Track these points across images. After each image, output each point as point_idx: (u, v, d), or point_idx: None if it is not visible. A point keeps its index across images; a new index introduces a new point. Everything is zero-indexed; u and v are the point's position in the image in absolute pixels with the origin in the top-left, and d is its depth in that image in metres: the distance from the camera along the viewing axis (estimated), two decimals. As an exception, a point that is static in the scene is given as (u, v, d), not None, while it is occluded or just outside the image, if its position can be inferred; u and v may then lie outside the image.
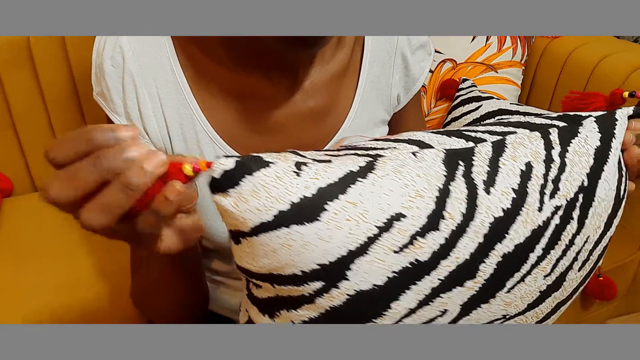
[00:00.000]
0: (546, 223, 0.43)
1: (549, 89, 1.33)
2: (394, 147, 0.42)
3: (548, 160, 0.44)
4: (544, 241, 0.43)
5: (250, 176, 0.34)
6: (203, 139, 0.58)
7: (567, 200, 0.44)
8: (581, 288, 0.52)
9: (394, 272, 0.38)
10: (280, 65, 0.57)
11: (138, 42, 0.56)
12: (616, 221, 0.50)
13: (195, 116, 0.58)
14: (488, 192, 0.41)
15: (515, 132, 0.46)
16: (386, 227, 0.37)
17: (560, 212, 0.44)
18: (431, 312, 0.41)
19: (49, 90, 1.09)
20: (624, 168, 0.49)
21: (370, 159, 0.39)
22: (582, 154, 0.45)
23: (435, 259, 0.39)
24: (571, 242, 0.45)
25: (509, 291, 0.44)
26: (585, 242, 0.47)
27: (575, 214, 0.45)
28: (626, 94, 0.50)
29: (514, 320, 0.47)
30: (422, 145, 0.43)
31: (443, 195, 0.39)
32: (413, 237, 0.38)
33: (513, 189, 0.42)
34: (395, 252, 0.37)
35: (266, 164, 0.35)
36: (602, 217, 0.47)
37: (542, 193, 0.43)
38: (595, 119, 0.48)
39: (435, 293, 0.40)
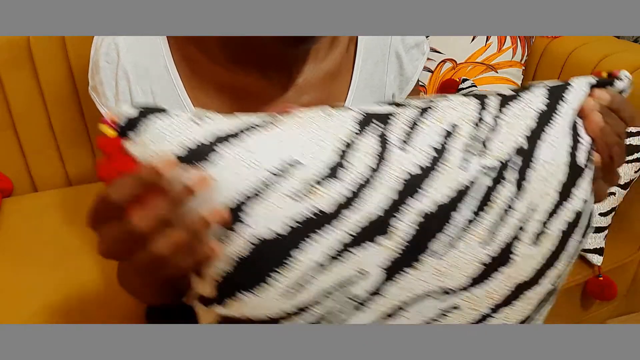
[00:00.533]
0: (473, 183, 0.42)
1: (549, 89, 1.33)
2: (312, 111, 0.43)
3: (478, 122, 0.43)
4: (471, 202, 0.42)
5: (150, 122, 0.37)
6: None
7: (500, 162, 0.42)
8: (552, 272, 0.47)
9: (294, 219, 0.38)
10: (274, 63, 0.58)
11: (134, 39, 0.56)
12: (580, 193, 0.46)
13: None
14: (403, 149, 0.41)
15: (449, 98, 0.45)
16: (281, 172, 0.38)
17: (491, 174, 0.42)
18: (346, 270, 0.40)
19: (49, 90, 1.09)
20: (583, 136, 0.46)
21: (280, 117, 0.41)
22: (521, 117, 0.44)
23: (339, 211, 0.39)
24: (510, 207, 0.43)
25: (437, 255, 0.42)
26: (533, 210, 0.44)
27: (511, 176, 0.43)
28: (605, 73, 0.49)
29: (460, 298, 0.44)
30: (344, 109, 0.43)
31: (348, 148, 0.40)
32: (311, 185, 0.38)
33: (433, 147, 0.41)
34: (293, 198, 0.38)
35: (167, 113, 0.38)
36: (551, 182, 0.44)
37: (467, 152, 0.42)
38: (547, 87, 0.47)
39: (346, 249, 0.40)
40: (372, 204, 0.39)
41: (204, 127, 0.38)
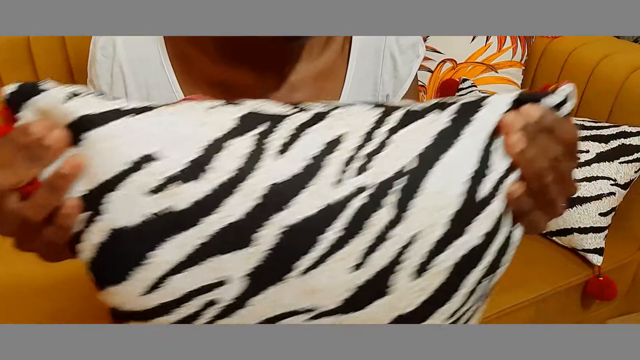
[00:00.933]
0: (344, 201, 0.38)
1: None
2: (203, 103, 0.41)
3: (367, 136, 0.39)
4: (341, 222, 0.38)
5: (28, 101, 0.37)
6: None
7: (377, 182, 0.38)
8: (445, 309, 0.42)
9: (148, 215, 0.37)
10: (266, 60, 0.58)
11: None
12: (479, 229, 0.40)
13: None
14: (277, 156, 0.38)
15: (350, 107, 0.41)
16: (137, 166, 0.37)
17: (365, 193, 0.38)
18: (205, 275, 0.39)
19: (49, 90, 1.09)
20: (497, 163, 0.40)
21: (159, 105, 0.39)
22: (417, 137, 0.39)
23: (194, 212, 0.37)
24: (386, 233, 0.39)
25: (303, 273, 0.39)
26: (416, 240, 0.39)
27: (389, 200, 0.38)
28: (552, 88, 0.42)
29: (338, 320, 0.41)
30: (238, 104, 0.41)
31: (216, 147, 0.37)
32: (166, 183, 0.37)
33: (308, 157, 0.38)
34: (148, 194, 0.37)
35: (41, 90, 0.37)
36: (439, 213, 0.39)
37: (344, 168, 0.38)
38: (459, 105, 0.41)
39: (203, 252, 0.38)
40: (232, 209, 0.37)
41: (70, 105, 0.37)
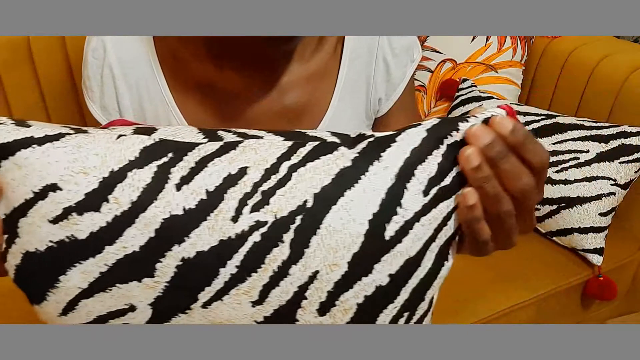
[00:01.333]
0: (242, 237, 0.38)
1: (549, 89, 1.33)
2: (116, 130, 0.41)
3: (271, 170, 0.38)
4: (238, 258, 0.38)
5: None
6: None
7: (275, 219, 0.38)
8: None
9: (53, 242, 0.38)
10: (256, 62, 0.57)
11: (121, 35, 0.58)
12: (385, 268, 0.38)
13: (171, 111, 0.59)
14: (178, 189, 0.38)
15: (263, 137, 0.40)
16: (41, 195, 0.38)
17: (263, 229, 0.38)
18: (114, 302, 0.40)
19: (49, 90, 1.09)
20: (407, 200, 0.38)
21: (73, 132, 0.40)
22: (321, 172, 0.38)
23: (96, 241, 0.38)
24: (284, 271, 0.38)
25: (205, 306, 0.39)
26: (316, 279, 0.38)
27: (287, 237, 0.38)
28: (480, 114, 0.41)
29: None
30: (151, 132, 0.41)
31: (116, 178, 0.38)
32: (68, 212, 0.38)
33: (207, 190, 0.38)
34: (52, 221, 0.38)
35: None
36: (339, 253, 0.38)
37: (243, 202, 0.38)
38: (375, 138, 0.39)
39: (107, 280, 0.39)
40: (132, 240, 0.38)
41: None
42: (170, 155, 0.39)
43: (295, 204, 0.38)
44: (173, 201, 0.38)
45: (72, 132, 0.39)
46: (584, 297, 1.15)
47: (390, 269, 0.39)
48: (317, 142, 0.40)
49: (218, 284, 0.39)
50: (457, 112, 1.29)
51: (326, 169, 0.38)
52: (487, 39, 1.35)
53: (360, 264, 0.38)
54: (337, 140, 0.40)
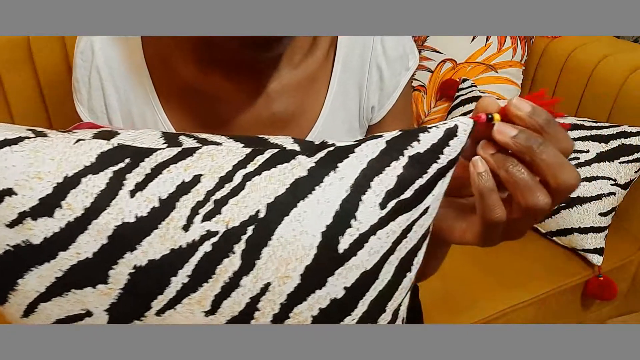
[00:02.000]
0: (193, 247, 0.37)
1: (549, 89, 1.33)
2: (76, 134, 0.41)
3: (225, 179, 0.37)
4: (189, 267, 0.37)
5: None
6: None
7: (226, 227, 0.37)
8: None
9: (10, 246, 0.38)
10: (242, 68, 0.56)
11: (110, 37, 0.57)
12: (340, 281, 0.38)
13: (158, 116, 0.59)
14: (132, 195, 0.37)
15: (223, 143, 0.40)
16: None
17: (214, 239, 0.37)
18: (71, 307, 0.40)
19: (49, 90, 1.10)
20: (362, 212, 0.37)
21: (33, 135, 0.39)
22: (276, 181, 0.37)
23: (50, 246, 0.38)
24: (235, 282, 0.38)
25: (158, 314, 0.39)
26: (267, 290, 0.38)
27: (238, 247, 0.37)
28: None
29: None
30: (111, 137, 0.40)
31: (70, 184, 0.38)
32: (22, 217, 0.38)
33: (160, 198, 0.37)
34: (7, 226, 0.38)
35: None
36: (291, 265, 0.37)
37: (194, 211, 0.37)
38: (335, 148, 0.39)
39: (63, 285, 0.39)
40: (85, 246, 0.38)
41: None
42: (127, 160, 0.38)
43: (247, 213, 0.37)
44: (126, 208, 0.37)
45: (32, 135, 0.39)
46: (584, 297, 1.15)
47: (345, 282, 0.38)
48: (276, 150, 0.39)
49: (170, 292, 0.38)
50: (457, 112, 1.29)
51: (281, 178, 0.37)
52: (487, 39, 1.35)
53: (313, 277, 0.37)
54: (297, 148, 0.39)
